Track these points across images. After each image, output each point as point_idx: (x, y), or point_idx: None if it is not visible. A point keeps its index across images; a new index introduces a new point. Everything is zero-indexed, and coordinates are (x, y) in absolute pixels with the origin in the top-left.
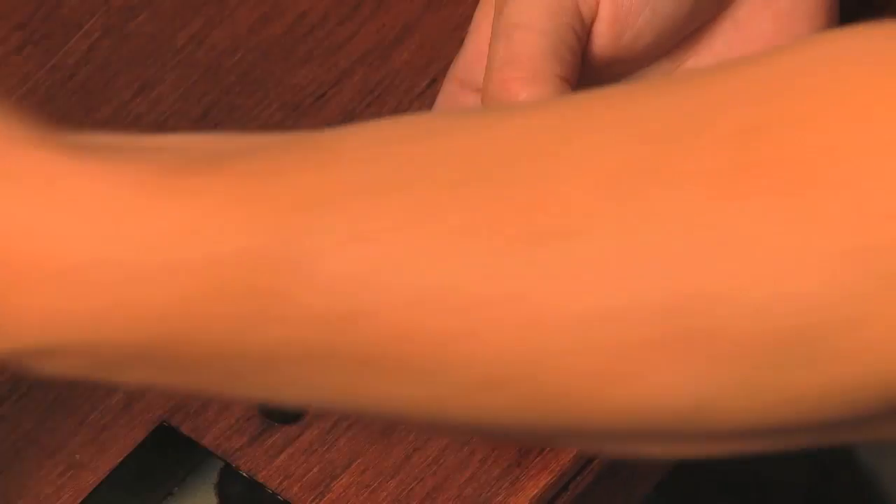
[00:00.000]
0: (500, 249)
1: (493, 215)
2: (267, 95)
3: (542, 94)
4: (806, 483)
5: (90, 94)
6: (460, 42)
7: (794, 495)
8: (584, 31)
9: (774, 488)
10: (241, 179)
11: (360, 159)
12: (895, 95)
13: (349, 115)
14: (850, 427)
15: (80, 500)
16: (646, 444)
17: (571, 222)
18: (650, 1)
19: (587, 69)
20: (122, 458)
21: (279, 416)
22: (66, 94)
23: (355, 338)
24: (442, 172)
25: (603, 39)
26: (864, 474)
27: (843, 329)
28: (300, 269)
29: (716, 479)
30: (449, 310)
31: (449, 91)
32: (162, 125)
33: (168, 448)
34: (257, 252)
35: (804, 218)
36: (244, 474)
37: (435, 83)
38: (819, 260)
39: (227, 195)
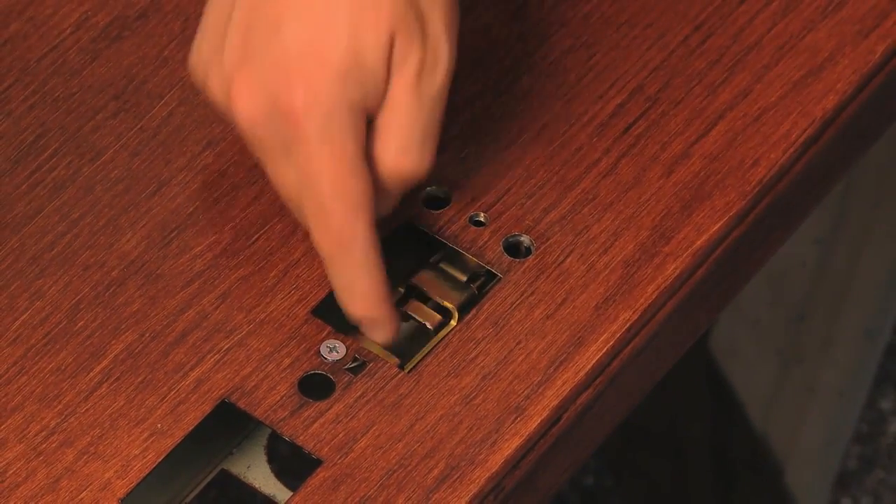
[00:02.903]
0: None
1: None
2: None
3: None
4: (709, 435)
5: (169, 149)
6: (452, 109)
7: (700, 444)
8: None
9: (685, 442)
10: None
11: None
12: None
13: None
14: None
15: (159, 460)
16: None
17: None
18: None
19: None
20: (193, 427)
21: (313, 395)
22: (150, 150)
23: None
24: None
25: None
26: (754, 430)
27: None
28: None
29: (639, 435)
30: None
31: None
32: (224, 172)
33: (228, 419)
34: None
35: None
36: (287, 439)
37: None
38: None
39: None
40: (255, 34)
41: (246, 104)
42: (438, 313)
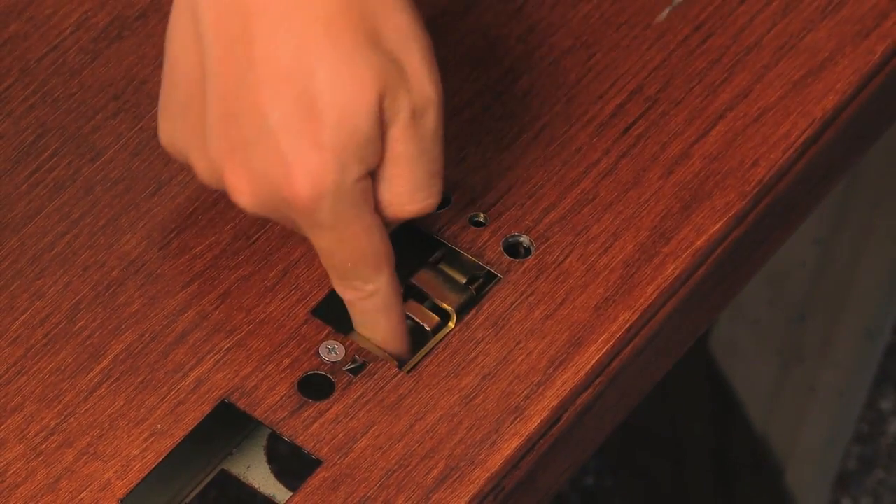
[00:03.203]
0: None
1: None
2: None
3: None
4: (709, 435)
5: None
6: (452, 110)
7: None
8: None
9: (685, 442)
10: None
11: None
12: None
13: None
14: None
15: (159, 460)
16: None
17: None
18: None
19: None
20: (192, 427)
21: (313, 395)
22: (150, 150)
23: None
24: None
25: None
26: (754, 430)
27: None
28: None
29: (639, 435)
30: None
31: None
32: None
33: (228, 419)
34: None
35: None
36: (286, 439)
37: None
38: None
39: None
40: (240, 121)
41: (247, 196)
42: (437, 315)
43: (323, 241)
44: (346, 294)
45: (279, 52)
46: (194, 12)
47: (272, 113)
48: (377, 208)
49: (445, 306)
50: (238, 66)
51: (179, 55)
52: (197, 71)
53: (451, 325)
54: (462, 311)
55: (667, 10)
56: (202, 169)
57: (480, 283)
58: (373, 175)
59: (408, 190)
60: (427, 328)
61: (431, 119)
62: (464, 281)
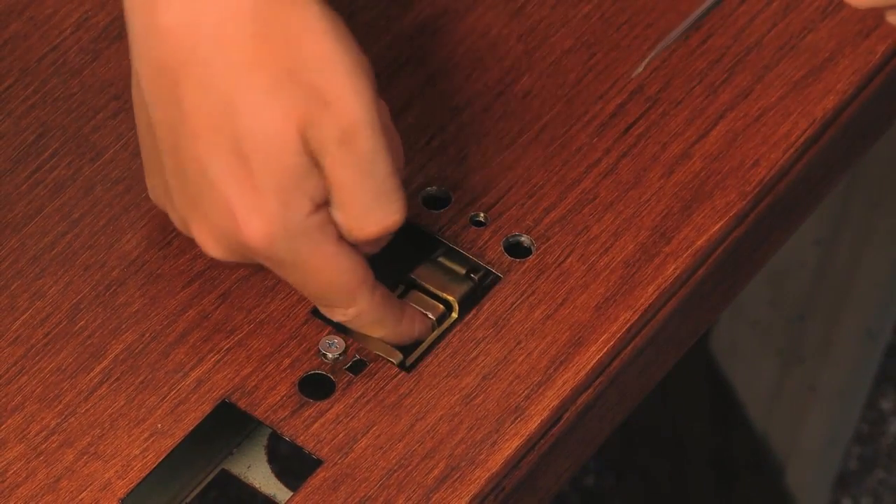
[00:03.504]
0: None
1: None
2: None
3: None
4: (709, 435)
5: None
6: (452, 110)
7: (700, 444)
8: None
9: (685, 442)
10: None
11: None
12: None
13: None
14: None
15: (160, 460)
16: None
17: None
18: None
19: None
20: (193, 427)
21: (313, 395)
22: None
23: None
24: None
25: None
26: (754, 430)
27: None
28: None
29: (640, 435)
30: None
31: None
32: None
33: (229, 419)
34: None
35: None
36: (287, 439)
37: (433, 139)
38: None
39: None
40: (188, 176)
41: (212, 248)
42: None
43: (290, 278)
44: (331, 316)
45: (205, 104)
46: (136, 77)
47: (210, 165)
48: (342, 233)
49: (448, 297)
50: (174, 123)
51: (139, 117)
52: (151, 132)
53: (454, 315)
54: (464, 302)
55: (643, 63)
56: (176, 222)
57: (482, 275)
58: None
59: (362, 213)
60: (432, 317)
61: (364, 140)
62: (464, 272)
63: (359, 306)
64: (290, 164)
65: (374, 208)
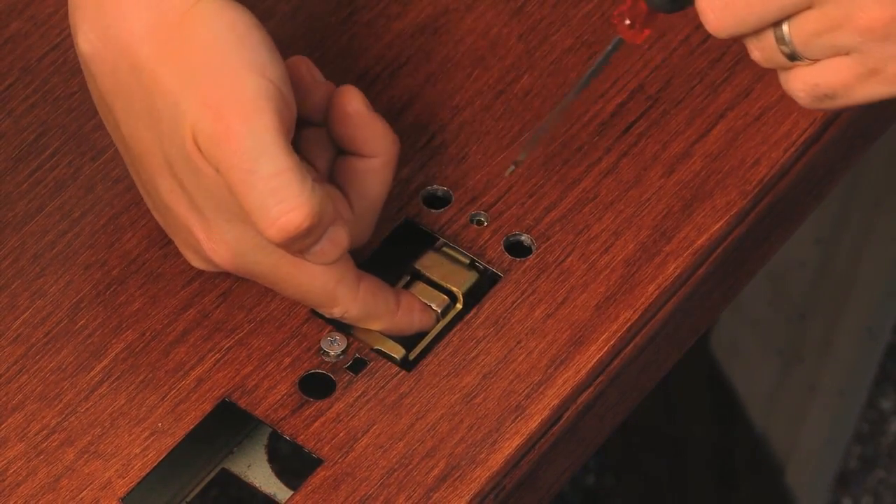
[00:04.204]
0: None
1: None
2: None
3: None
4: (709, 435)
5: None
6: (453, 109)
7: (700, 444)
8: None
9: (685, 442)
10: None
11: None
12: None
13: None
14: None
15: (160, 459)
16: None
17: None
18: None
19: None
20: (193, 426)
21: (314, 394)
22: None
23: None
24: None
25: None
26: (754, 429)
27: None
28: None
29: (640, 435)
30: None
31: None
32: None
33: (229, 418)
34: None
35: None
36: (287, 438)
37: (433, 139)
38: None
39: None
40: (152, 198)
41: (194, 263)
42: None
43: (270, 286)
44: (325, 314)
45: (137, 131)
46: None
47: (161, 190)
48: None
49: (452, 288)
50: (125, 148)
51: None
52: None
53: (459, 306)
54: (468, 294)
55: (511, 167)
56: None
57: (485, 267)
58: None
59: (257, 215)
60: (435, 308)
61: (238, 140)
62: (468, 262)
63: (342, 304)
64: (211, 182)
65: (267, 207)
